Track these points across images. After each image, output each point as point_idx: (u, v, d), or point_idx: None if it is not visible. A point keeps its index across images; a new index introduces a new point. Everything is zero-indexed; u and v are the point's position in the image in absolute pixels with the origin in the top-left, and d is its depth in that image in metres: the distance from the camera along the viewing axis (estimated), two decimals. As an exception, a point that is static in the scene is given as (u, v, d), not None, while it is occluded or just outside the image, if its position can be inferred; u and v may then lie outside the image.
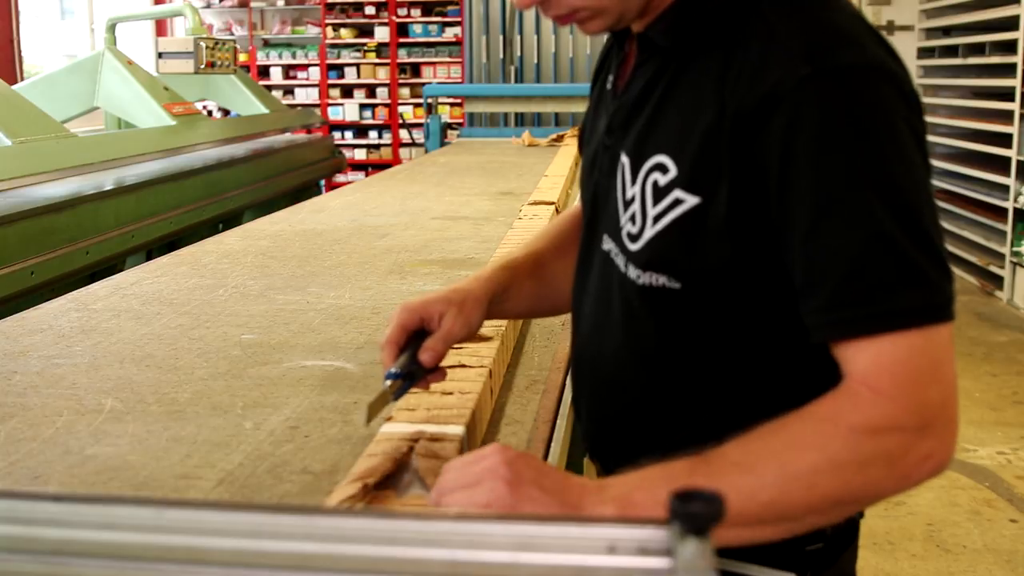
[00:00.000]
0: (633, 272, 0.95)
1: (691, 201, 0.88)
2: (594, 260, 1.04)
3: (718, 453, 0.80)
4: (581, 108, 6.12)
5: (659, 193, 0.91)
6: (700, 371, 0.95)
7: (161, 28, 9.44)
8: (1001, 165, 6.30)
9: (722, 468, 0.79)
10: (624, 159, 0.96)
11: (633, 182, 0.94)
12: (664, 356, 0.95)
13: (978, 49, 6.94)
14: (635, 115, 0.97)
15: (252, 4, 10.08)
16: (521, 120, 7.69)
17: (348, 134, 10.01)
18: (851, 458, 0.78)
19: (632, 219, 0.94)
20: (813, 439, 0.79)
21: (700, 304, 0.91)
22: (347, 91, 10.06)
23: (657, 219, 0.91)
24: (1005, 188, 6.20)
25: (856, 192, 0.80)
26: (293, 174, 5.46)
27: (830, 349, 0.83)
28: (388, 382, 0.99)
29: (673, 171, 0.89)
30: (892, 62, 0.85)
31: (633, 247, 0.94)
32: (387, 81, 9.93)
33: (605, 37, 1.04)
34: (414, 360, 1.02)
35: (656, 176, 0.91)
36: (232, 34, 10.11)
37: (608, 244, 1.01)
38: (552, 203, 2.62)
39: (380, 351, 1.04)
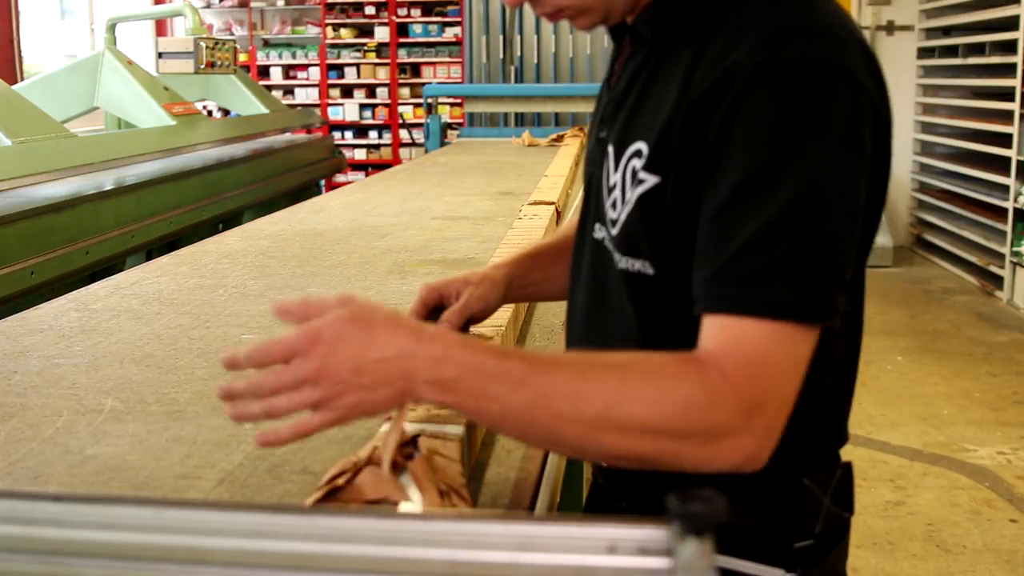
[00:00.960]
0: (616, 256, 0.96)
1: (651, 181, 0.90)
2: (585, 249, 1.05)
3: (559, 361, 0.82)
4: (581, 108, 6.15)
5: (634, 177, 0.92)
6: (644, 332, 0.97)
7: (161, 28, 9.44)
8: (1001, 165, 6.30)
9: (553, 384, 0.79)
10: (610, 148, 0.98)
11: (616, 169, 0.96)
12: (647, 341, 0.95)
13: (978, 49, 6.94)
14: (621, 106, 0.99)
15: (252, 4, 10.08)
16: (521, 120, 7.70)
17: (348, 134, 10.01)
18: (672, 427, 0.79)
19: (614, 205, 0.96)
20: (648, 394, 0.79)
21: (674, 291, 0.90)
22: (347, 91, 10.06)
23: (632, 197, 0.92)
24: (1005, 188, 6.20)
25: (773, 180, 0.81)
26: (293, 174, 5.46)
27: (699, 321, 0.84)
28: None
29: (647, 152, 0.91)
30: (858, 65, 0.85)
31: (614, 231, 0.95)
32: (387, 81, 9.93)
33: (606, 38, 1.06)
34: None
35: (634, 162, 0.92)
36: (232, 34, 10.11)
37: (600, 232, 1.02)
38: (552, 203, 2.61)
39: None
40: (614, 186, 0.96)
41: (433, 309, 1.11)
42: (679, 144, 0.87)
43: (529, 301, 1.32)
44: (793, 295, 0.80)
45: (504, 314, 1.49)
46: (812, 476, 1.01)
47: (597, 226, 1.02)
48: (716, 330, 0.82)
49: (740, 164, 0.82)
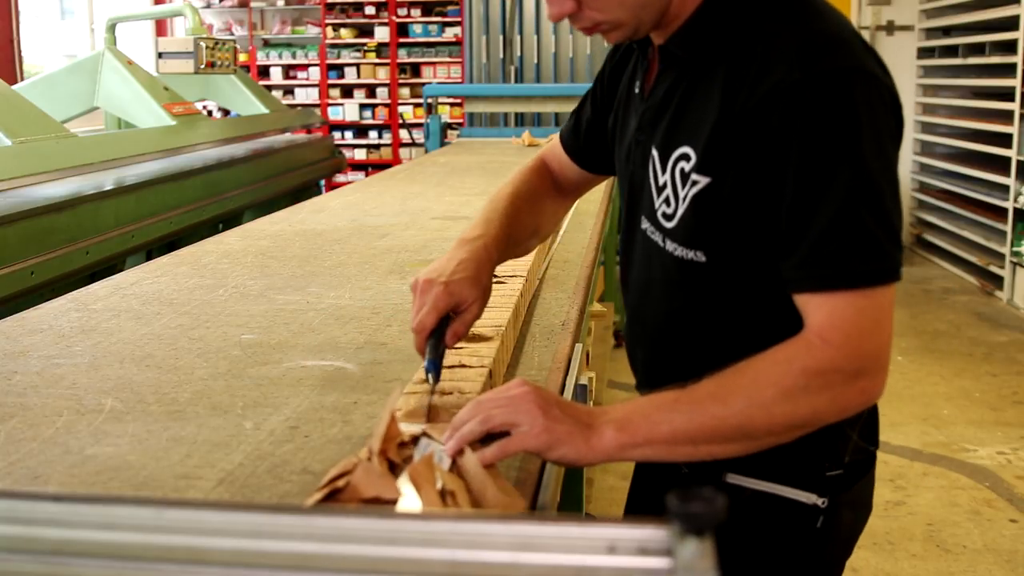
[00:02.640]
0: (671, 246, 1.14)
1: (703, 181, 1.08)
2: (636, 237, 1.23)
3: (698, 387, 0.99)
4: (581, 108, 6.02)
5: (684, 178, 1.10)
6: (722, 326, 1.15)
7: (161, 28, 9.44)
8: (1001, 165, 6.30)
9: (701, 399, 0.98)
10: (654, 152, 1.15)
11: (663, 171, 1.14)
12: (695, 314, 1.16)
13: (978, 49, 6.94)
14: (661, 115, 1.15)
15: (252, 4, 10.08)
16: (521, 120, 7.69)
17: (348, 134, 10.01)
18: (802, 392, 0.97)
19: (667, 201, 1.14)
20: (773, 377, 0.98)
21: (721, 275, 1.11)
22: (347, 91, 10.06)
23: (684, 199, 1.11)
24: (1005, 188, 6.20)
25: (833, 176, 0.98)
26: (293, 174, 5.46)
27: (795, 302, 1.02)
28: (429, 375, 1.14)
29: (693, 158, 1.09)
30: (874, 65, 1.02)
31: (669, 225, 1.14)
32: (387, 81, 9.93)
33: (604, 41, 1.18)
34: (440, 343, 1.16)
35: (682, 164, 1.11)
36: (232, 34, 10.11)
37: (645, 224, 1.20)
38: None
39: (413, 334, 1.18)
40: (664, 185, 1.14)
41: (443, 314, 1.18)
42: (734, 151, 1.04)
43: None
44: (869, 266, 0.99)
45: (504, 314, 1.49)
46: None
47: (643, 218, 1.20)
48: (814, 307, 1.00)
49: (801, 166, 0.99)
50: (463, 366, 1.26)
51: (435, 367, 1.15)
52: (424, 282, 1.19)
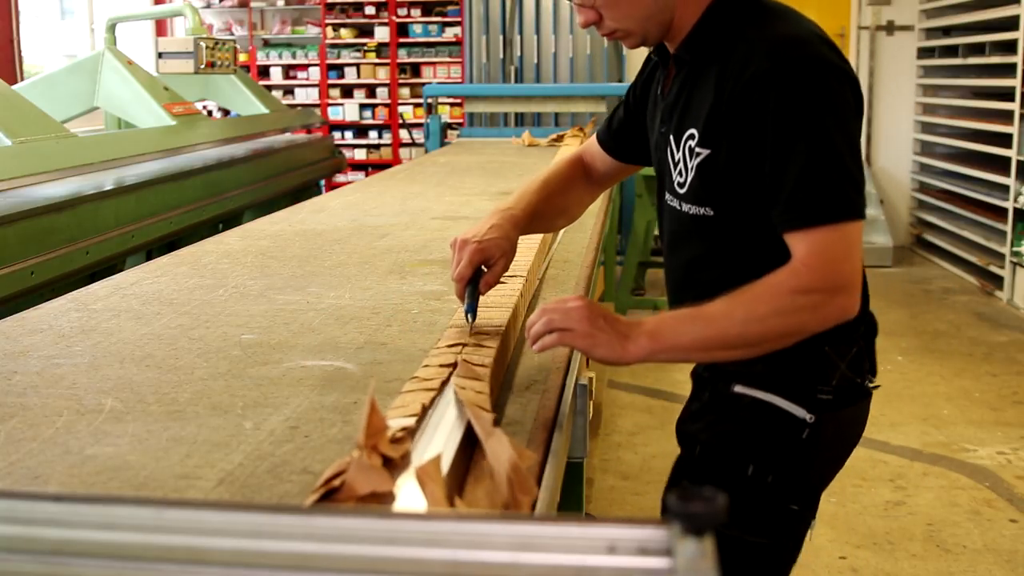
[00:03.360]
0: (685, 207, 1.43)
1: (704, 153, 1.37)
2: (664, 209, 1.52)
3: (711, 305, 1.25)
4: (581, 108, 6.14)
5: (691, 152, 1.39)
6: (728, 265, 1.41)
7: (161, 28, 9.44)
8: (1001, 165, 6.30)
9: (712, 315, 1.24)
10: (671, 137, 1.44)
11: (677, 149, 1.43)
12: (708, 257, 1.45)
13: (978, 49, 6.94)
14: (675, 108, 1.44)
15: (252, 4, 10.08)
16: (521, 120, 7.69)
17: (348, 134, 10.00)
18: (790, 308, 1.23)
19: (680, 173, 1.43)
20: (767, 297, 1.24)
21: (725, 225, 1.39)
22: (347, 91, 10.06)
23: (692, 168, 1.39)
24: (1005, 188, 6.20)
25: (802, 139, 1.26)
26: (293, 174, 5.46)
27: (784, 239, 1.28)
28: (468, 315, 1.43)
29: (696, 136, 1.37)
30: (830, 55, 1.30)
31: (682, 191, 1.43)
32: (387, 81, 9.92)
33: (603, 39, 1.53)
34: (475, 291, 1.44)
35: (690, 142, 1.39)
36: (232, 34, 10.11)
37: (668, 196, 1.48)
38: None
39: (454, 283, 1.45)
40: (678, 161, 1.43)
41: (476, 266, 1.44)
42: (725, 127, 1.33)
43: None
44: (836, 206, 1.25)
45: (504, 314, 1.50)
46: (832, 346, 1.40)
47: (667, 193, 1.49)
48: (797, 241, 1.26)
49: (776, 135, 1.27)
50: (465, 363, 1.27)
51: (472, 309, 1.44)
52: (461, 241, 1.45)
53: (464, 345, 1.36)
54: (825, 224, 1.24)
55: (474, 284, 1.44)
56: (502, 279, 1.54)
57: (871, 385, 1.47)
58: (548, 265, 2.12)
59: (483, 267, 1.45)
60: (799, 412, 1.41)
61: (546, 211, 1.62)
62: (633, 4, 1.37)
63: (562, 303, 1.27)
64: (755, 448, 1.44)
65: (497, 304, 1.55)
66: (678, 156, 1.42)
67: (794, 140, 1.26)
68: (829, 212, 1.24)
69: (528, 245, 1.99)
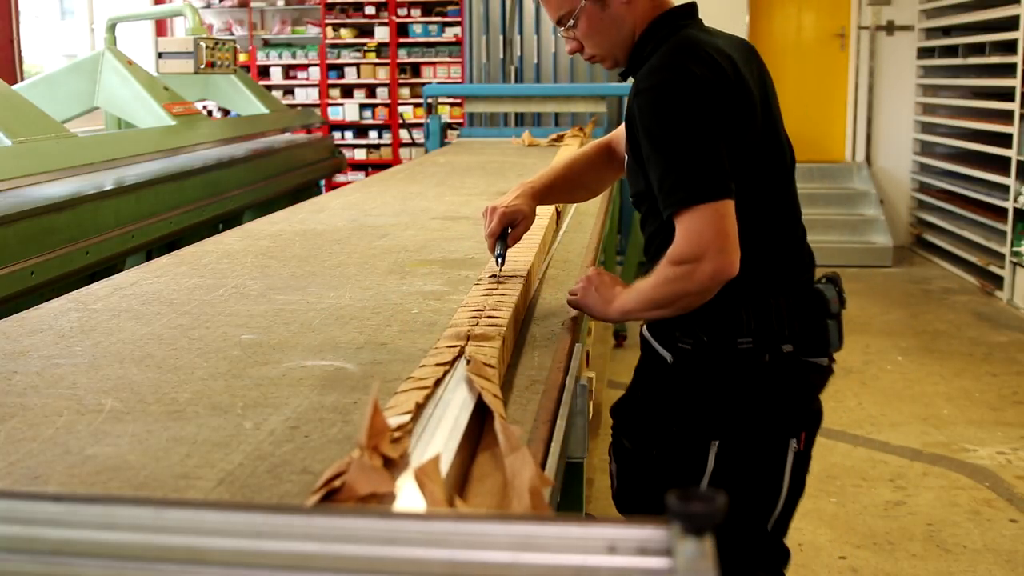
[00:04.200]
0: (630, 199, 1.81)
1: (627, 159, 1.75)
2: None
3: (639, 281, 1.65)
4: (581, 108, 6.14)
5: (625, 157, 1.77)
6: (665, 243, 1.64)
7: (161, 28, 9.44)
8: (1001, 165, 6.30)
9: (637, 288, 1.65)
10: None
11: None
12: (655, 238, 1.74)
13: (978, 49, 6.94)
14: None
15: (252, 4, 10.08)
16: (521, 120, 7.69)
17: (348, 134, 10.01)
18: (671, 277, 1.57)
19: (626, 170, 1.81)
20: (658, 271, 1.59)
21: (653, 214, 1.71)
22: (347, 91, 10.06)
23: (627, 170, 1.78)
24: (1005, 188, 6.20)
25: (659, 144, 1.59)
26: (293, 174, 5.46)
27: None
28: (498, 260, 1.81)
29: (627, 142, 1.72)
30: (691, 70, 1.59)
31: (629, 184, 1.81)
32: (387, 81, 9.92)
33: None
34: (504, 243, 1.82)
35: (627, 149, 1.74)
36: (232, 34, 10.11)
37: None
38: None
39: (487, 239, 1.84)
40: (626, 163, 1.79)
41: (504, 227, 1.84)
42: (634, 142, 1.68)
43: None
44: (697, 191, 1.55)
45: (504, 314, 1.49)
46: (775, 298, 1.72)
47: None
48: (676, 225, 1.57)
49: (645, 141, 1.62)
50: (467, 360, 1.27)
51: (502, 257, 1.81)
52: (491, 208, 1.84)
53: (476, 322, 1.50)
54: (685, 208, 1.55)
55: (503, 240, 1.83)
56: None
57: (800, 351, 1.74)
58: (548, 265, 2.12)
59: (509, 228, 1.85)
60: (666, 354, 1.78)
61: (564, 185, 2.00)
62: (603, 36, 1.73)
63: (584, 272, 1.76)
64: (646, 378, 1.89)
65: (498, 304, 1.56)
66: (627, 158, 1.78)
67: (652, 150, 1.61)
68: (685, 199, 1.55)
69: (528, 246, 2.00)
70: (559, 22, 1.74)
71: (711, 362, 1.73)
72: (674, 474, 1.80)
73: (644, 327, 1.85)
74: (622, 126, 1.91)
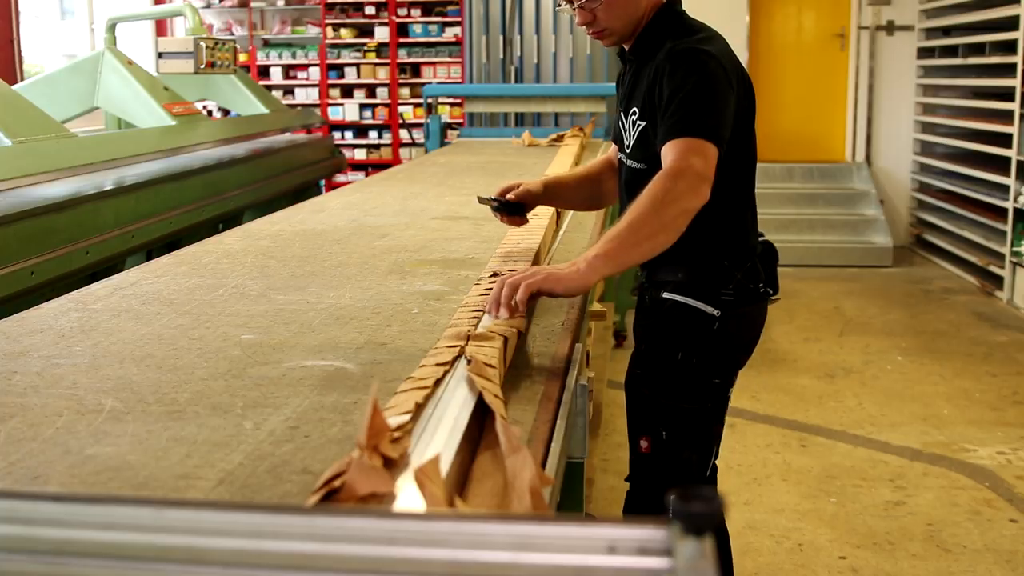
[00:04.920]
0: (629, 162, 1.98)
1: (642, 124, 1.92)
2: (621, 166, 2.04)
3: (620, 221, 1.68)
4: (581, 108, 6.14)
5: (634, 124, 1.95)
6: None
7: (161, 28, 9.44)
8: (1001, 165, 6.30)
9: (624, 224, 1.65)
10: (623, 115, 2.02)
11: (627, 121, 1.99)
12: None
13: (978, 49, 6.94)
14: (627, 93, 2.02)
15: (252, 4, 10.08)
16: (521, 120, 7.69)
17: (348, 134, 10.01)
18: (651, 196, 1.67)
19: (628, 138, 1.97)
20: (649, 194, 1.68)
21: (650, 175, 1.76)
22: (347, 91, 10.06)
23: (634, 135, 1.95)
24: (1005, 188, 6.20)
25: (678, 91, 1.79)
26: (293, 174, 5.46)
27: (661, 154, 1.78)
28: (493, 201, 2.08)
29: (639, 113, 1.93)
30: (712, 52, 1.83)
31: (629, 151, 1.97)
32: (387, 81, 9.92)
33: (602, 44, 2.02)
34: (500, 199, 2.07)
35: (633, 116, 1.95)
36: (232, 34, 10.11)
37: (622, 156, 2.02)
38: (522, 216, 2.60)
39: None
40: (627, 130, 1.98)
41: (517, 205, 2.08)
42: (652, 104, 1.87)
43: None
44: (694, 129, 1.75)
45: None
46: (729, 260, 1.95)
47: (621, 155, 2.02)
48: (667, 150, 1.76)
49: (667, 90, 1.81)
50: (468, 360, 1.27)
51: (495, 202, 2.08)
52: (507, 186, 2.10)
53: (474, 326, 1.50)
54: (681, 136, 1.75)
55: (506, 205, 2.08)
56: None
57: (763, 291, 1.99)
58: (549, 263, 2.12)
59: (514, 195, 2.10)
60: (709, 310, 1.92)
61: (563, 193, 2.20)
62: (622, 10, 1.92)
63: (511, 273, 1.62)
64: (681, 339, 1.95)
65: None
66: (627, 126, 1.97)
67: (670, 97, 1.79)
68: (684, 129, 1.75)
69: (528, 246, 2.00)
70: None
71: (745, 308, 1.96)
72: (687, 416, 1.97)
73: (667, 293, 1.95)
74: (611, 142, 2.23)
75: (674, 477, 1.96)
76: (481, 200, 2.10)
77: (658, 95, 1.82)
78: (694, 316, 1.92)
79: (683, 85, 1.78)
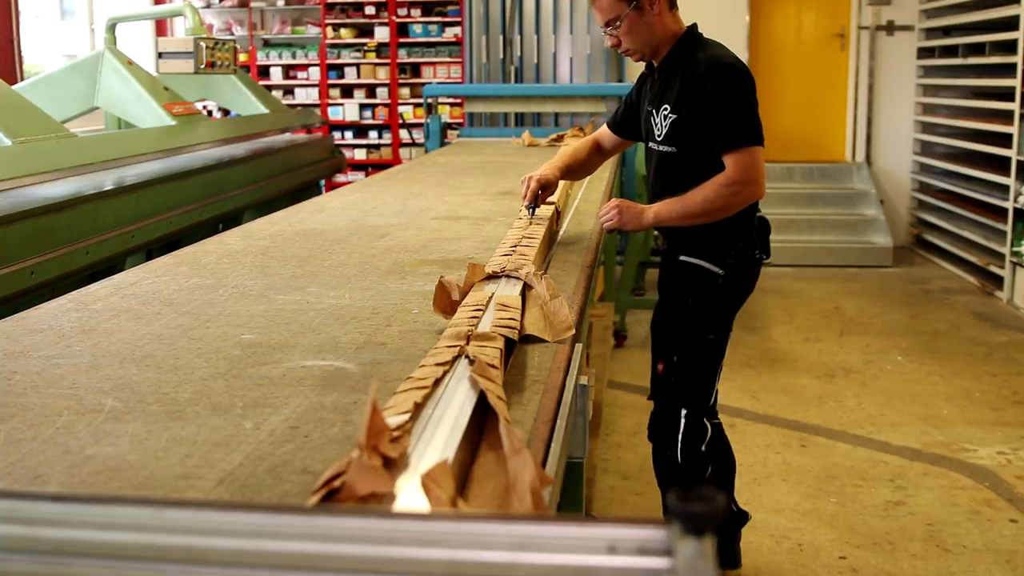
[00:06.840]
0: (660, 148, 2.54)
1: (673, 117, 2.48)
2: (650, 153, 2.62)
3: (684, 196, 2.43)
4: (581, 108, 6.15)
5: (666, 117, 2.51)
6: (685, 183, 2.46)
7: (161, 28, 9.44)
8: (1001, 165, 6.30)
9: (685, 199, 2.42)
10: (653, 111, 2.56)
11: (657, 115, 2.53)
12: (671, 180, 2.52)
13: (978, 49, 6.94)
14: (656, 95, 2.55)
15: (252, 4, 10.08)
16: (521, 120, 7.69)
17: (348, 134, 10.00)
18: (724, 193, 2.40)
19: (659, 129, 2.53)
20: (712, 187, 2.41)
21: (681, 158, 2.50)
22: (347, 91, 10.05)
23: (666, 126, 2.51)
24: (1005, 188, 6.20)
25: (724, 103, 2.39)
26: (293, 174, 5.46)
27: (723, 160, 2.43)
28: (530, 211, 2.49)
29: (669, 108, 2.49)
30: (739, 65, 2.43)
31: (659, 137, 2.54)
32: (387, 81, 9.92)
33: (603, 40, 2.40)
34: (536, 202, 2.51)
35: (664, 111, 2.50)
36: (232, 34, 10.10)
37: (651, 144, 2.59)
38: (552, 203, 2.62)
39: (524, 198, 2.52)
40: (658, 123, 2.52)
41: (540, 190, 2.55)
42: (686, 101, 2.45)
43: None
44: (745, 139, 2.38)
45: (515, 313, 1.50)
46: (732, 232, 2.52)
47: (651, 144, 2.59)
48: (727, 159, 2.39)
49: (713, 102, 2.40)
50: (469, 360, 1.27)
51: (533, 209, 2.49)
52: (528, 176, 2.54)
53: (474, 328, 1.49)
54: (740, 148, 2.38)
55: (534, 200, 2.51)
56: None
57: (758, 256, 2.58)
58: (548, 265, 2.12)
59: (540, 191, 2.53)
60: (715, 269, 2.54)
61: (572, 167, 2.74)
62: (639, 35, 2.47)
63: (611, 204, 2.50)
64: (692, 290, 2.58)
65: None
66: (658, 120, 2.53)
67: (721, 104, 2.38)
68: (742, 140, 2.38)
69: (528, 247, 1.99)
70: (607, 24, 2.46)
71: (743, 269, 2.57)
72: (693, 345, 2.60)
73: (683, 255, 2.57)
74: (603, 127, 2.84)
75: (683, 392, 2.60)
76: (524, 211, 2.52)
77: (700, 96, 2.40)
78: (703, 274, 2.55)
79: (728, 96, 2.37)
